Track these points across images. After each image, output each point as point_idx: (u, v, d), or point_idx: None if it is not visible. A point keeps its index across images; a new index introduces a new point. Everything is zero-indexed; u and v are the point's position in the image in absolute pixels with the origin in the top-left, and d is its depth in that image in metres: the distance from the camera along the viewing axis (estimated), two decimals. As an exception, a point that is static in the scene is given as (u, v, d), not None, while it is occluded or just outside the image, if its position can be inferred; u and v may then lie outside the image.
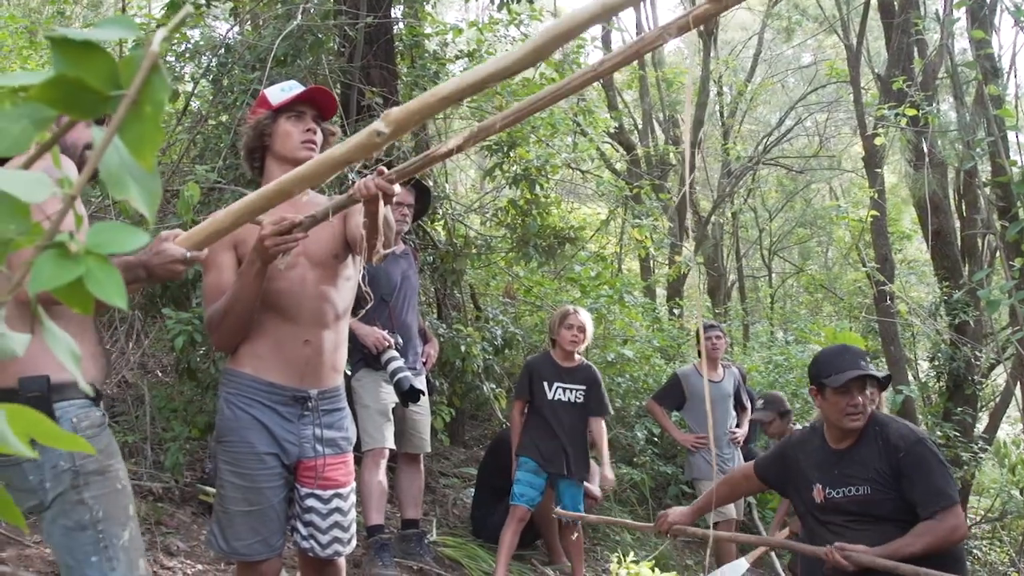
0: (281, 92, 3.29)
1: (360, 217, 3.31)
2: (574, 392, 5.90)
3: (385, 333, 5.28)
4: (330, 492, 3.23)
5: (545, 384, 5.89)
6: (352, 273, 3.33)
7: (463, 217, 7.97)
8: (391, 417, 5.40)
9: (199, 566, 4.71)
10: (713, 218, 17.80)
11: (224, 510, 3.14)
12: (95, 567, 2.46)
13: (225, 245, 3.09)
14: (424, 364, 5.72)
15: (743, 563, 5.06)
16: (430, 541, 5.89)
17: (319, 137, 3.25)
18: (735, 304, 18.26)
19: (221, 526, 3.15)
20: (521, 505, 5.75)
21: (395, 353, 5.23)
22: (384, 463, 5.29)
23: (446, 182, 9.17)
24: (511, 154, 7.21)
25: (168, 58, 7.56)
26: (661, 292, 16.84)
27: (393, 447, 5.35)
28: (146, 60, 0.76)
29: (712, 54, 17.20)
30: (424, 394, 5.37)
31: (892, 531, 3.61)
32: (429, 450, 5.75)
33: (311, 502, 3.21)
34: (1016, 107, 12.88)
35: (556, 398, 5.87)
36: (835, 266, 21.59)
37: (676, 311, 13.57)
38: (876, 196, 10.65)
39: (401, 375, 5.08)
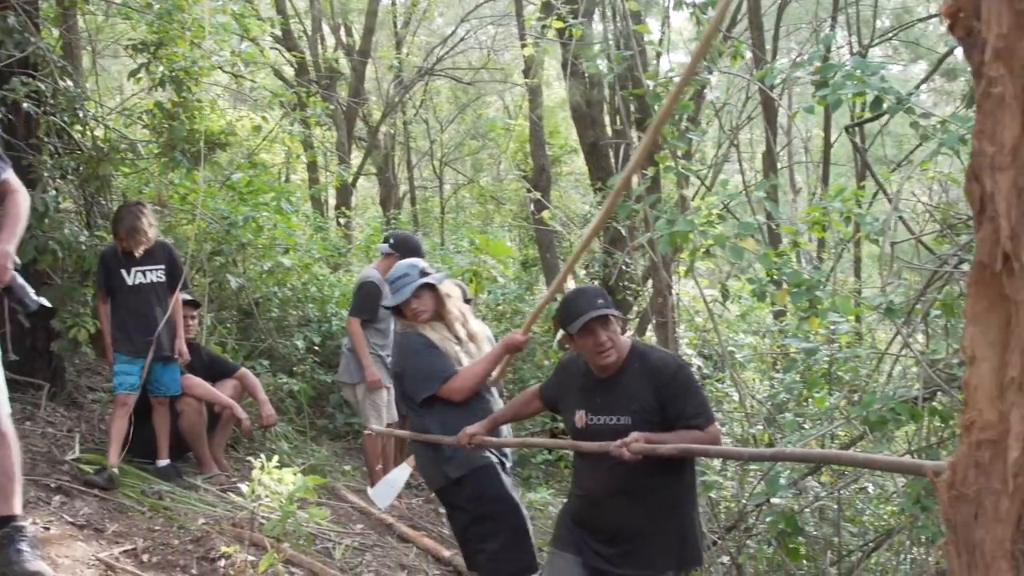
0: None
1: None
2: (155, 272, 6.13)
3: None
4: None
5: (123, 271, 6.04)
6: None
7: (109, 119, 7.51)
8: None
9: None
10: (383, 128, 17.82)
11: None
12: None
13: None
14: None
15: (407, 469, 5.22)
16: (73, 458, 5.71)
17: None
18: (404, 213, 18.44)
19: None
20: (126, 393, 5.96)
21: None
22: None
23: (87, 81, 8.62)
24: (158, 54, 6.89)
25: None
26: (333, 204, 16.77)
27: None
28: None
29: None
30: None
31: (648, 464, 3.66)
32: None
33: None
34: (665, 26, 13.64)
35: (137, 282, 6.06)
36: (507, 177, 22.22)
37: (342, 220, 13.57)
38: (529, 107, 11.03)
39: None
